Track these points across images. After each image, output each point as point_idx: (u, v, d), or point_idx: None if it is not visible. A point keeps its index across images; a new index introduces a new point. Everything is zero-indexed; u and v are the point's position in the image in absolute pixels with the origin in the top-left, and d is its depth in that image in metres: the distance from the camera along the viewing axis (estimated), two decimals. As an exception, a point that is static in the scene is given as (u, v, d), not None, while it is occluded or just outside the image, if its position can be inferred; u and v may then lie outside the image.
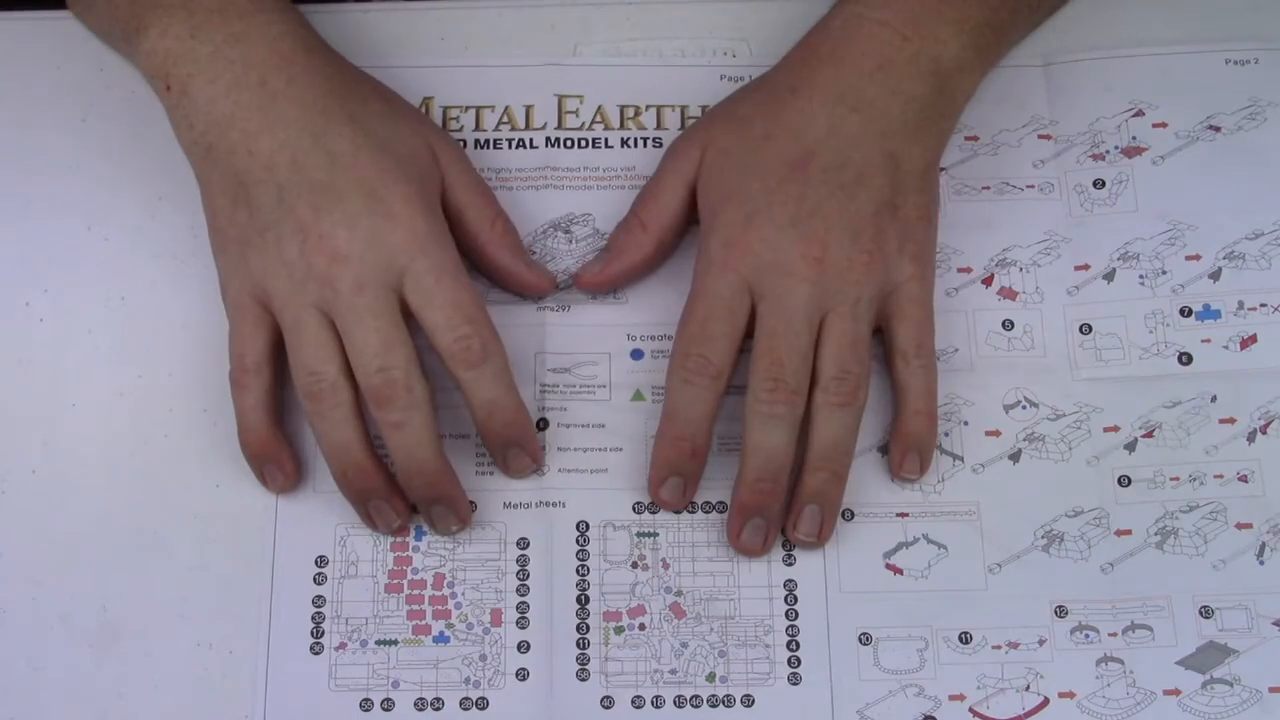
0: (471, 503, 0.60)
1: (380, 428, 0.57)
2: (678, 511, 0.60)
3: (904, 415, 0.60)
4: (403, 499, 0.59)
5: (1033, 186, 0.64)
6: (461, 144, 0.64)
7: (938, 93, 0.61)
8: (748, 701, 0.58)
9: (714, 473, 0.60)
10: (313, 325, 0.57)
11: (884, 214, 0.59)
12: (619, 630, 0.59)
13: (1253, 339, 0.62)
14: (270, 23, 0.60)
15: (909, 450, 0.60)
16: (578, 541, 0.60)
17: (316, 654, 0.59)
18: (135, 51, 0.62)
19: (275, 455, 0.59)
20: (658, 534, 0.60)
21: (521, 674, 0.59)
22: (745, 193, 0.59)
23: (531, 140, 0.65)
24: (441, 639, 0.59)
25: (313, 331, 0.57)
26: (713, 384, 0.58)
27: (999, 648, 0.59)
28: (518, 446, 0.59)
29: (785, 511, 0.59)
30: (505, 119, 0.66)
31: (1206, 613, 0.59)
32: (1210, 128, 0.65)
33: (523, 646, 0.59)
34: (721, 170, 0.60)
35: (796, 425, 0.58)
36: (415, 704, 0.58)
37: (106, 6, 0.63)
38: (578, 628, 0.59)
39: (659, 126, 0.66)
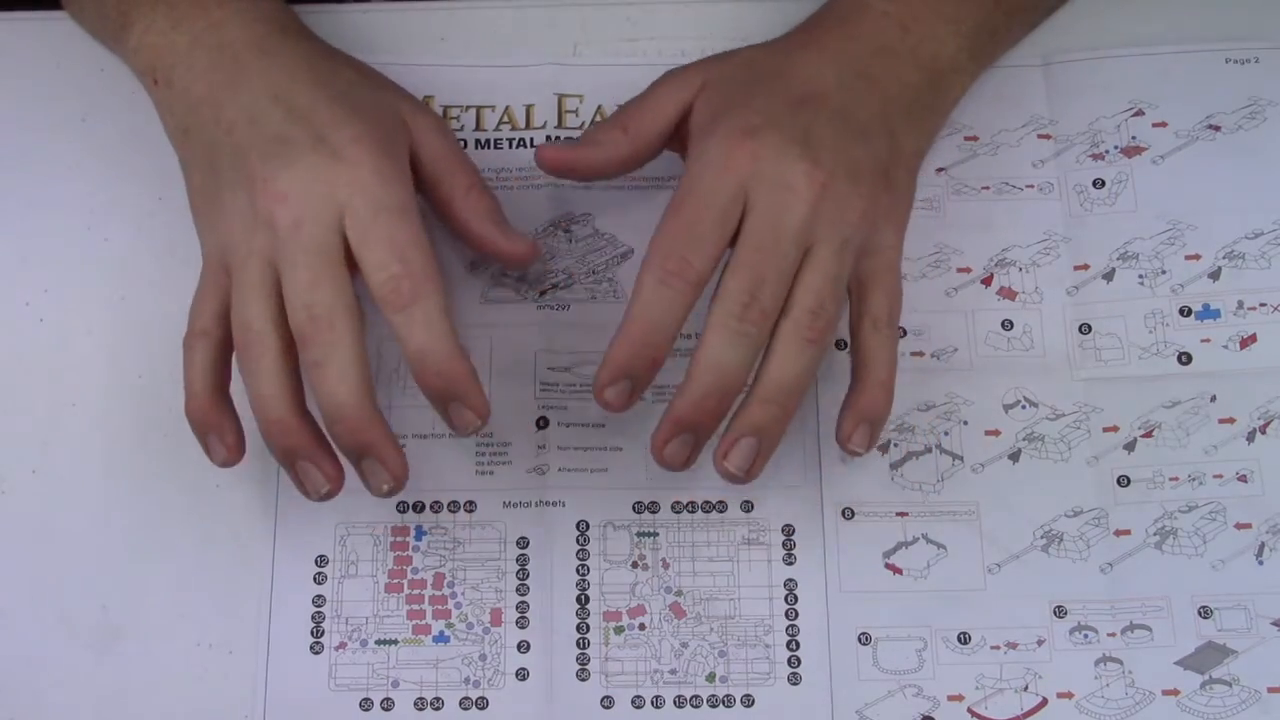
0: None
1: (304, 372, 0.53)
2: (618, 412, 0.56)
3: (865, 385, 0.56)
4: (333, 461, 0.55)
5: (1032, 186, 0.64)
6: (461, 143, 0.64)
7: (932, 88, 0.61)
8: (748, 701, 0.58)
9: (713, 473, 0.60)
10: (252, 273, 0.54)
11: (880, 176, 0.57)
12: (619, 630, 0.59)
13: (1252, 339, 0.62)
14: (250, 9, 0.60)
15: (862, 422, 0.56)
16: (578, 541, 0.60)
17: (316, 654, 0.59)
18: (124, 49, 0.62)
19: (216, 424, 0.56)
20: (658, 534, 0.60)
21: (521, 674, 0.59)
22: (754, 105, 0.56)
23: (532, 140, 0.65)
24: (441, 639, 0.59)
25: (253, 279, 0.54)
26: (690, 290, 0.54)
27: (998, 648, 0.59)
28: (457, 400, 0.54)
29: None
30: (505, 119, 0.66)
31: (1205, 613, 0.59)
32: (1210, 127, 0.65)
33: (523, 646, 0.59)
34: (725, 93, 0.58)
35: (761, 349, 0.54)
36: (415, 704, 0.58)
37: (95, 6, 0.63)
38: (578, 627, 0.59)
39: (659, 126, 0.66)
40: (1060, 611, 0.59)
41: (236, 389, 0.56)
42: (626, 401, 0.55)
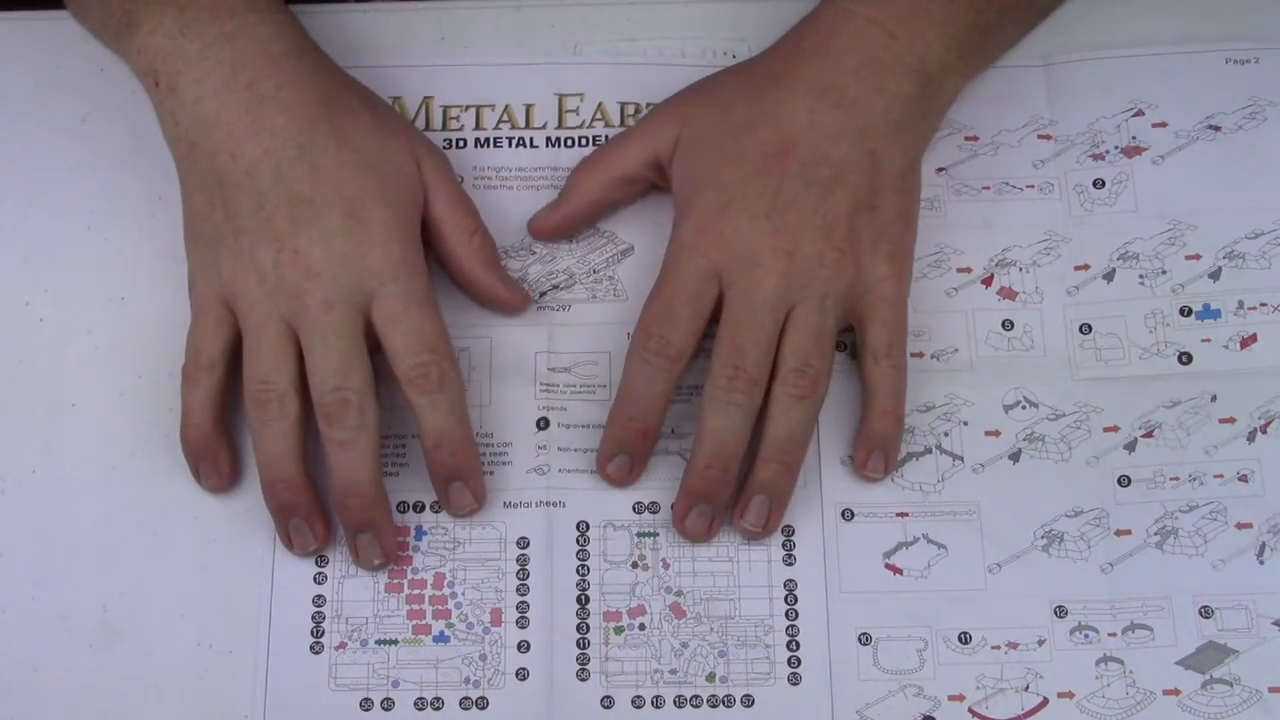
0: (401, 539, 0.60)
1: (326, 445, 0.57)
2: (621, 486, 0.60)
3: (871, 415, 0.60)
4: (324, 523, 0.59)
5: (1032, 186, 0.64)
6: (461, 143, 0.65)
7: (921, 93, 0.61)
8: (748, 701, 0.58)
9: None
10: (274, 335, 0.57)
11: (860, 213, 0.59)
12: (619, 630, 0.59)
13: (1253, 338, 0.62)
14: (261, 23, 0.60)
15: (874, 449, 0.60)
16: (578, 541, 0.60)
17: (316, 654, 0.59)
18: (126, 49, 0.62)
19: (213, 454, 0.59)
20: (658, 534, 0.60)
21: (521, 674, 0.59)
22: (721, 181, 0.59)
23: (532, 140, 0.65)
24: (441, 639, 0.59)
25: (273, 341, 0.57)
26: (670, 366, 0.58)
27: (998, 648, 0.59)
28: (460, 480, 0.59)
29: (734, 500, 0.59)
30: (505, 118, 0.66)
31: (1206, 613, 0.59)
32: (1210, 127, 0.65)
33: (523, 646, 0.59)
34: (699, 154, 0.60)
35: (753, 415, 0.58)
36: (415, 704, 0.58)
37: (100, 4, 0.63)
38: (578, 627, 0.59)
39: (659, 126, 0.66)
40: (1061, 611, 0.59)
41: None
42: (627, 477, 0.60)
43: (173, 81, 0.59)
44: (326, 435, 0.57)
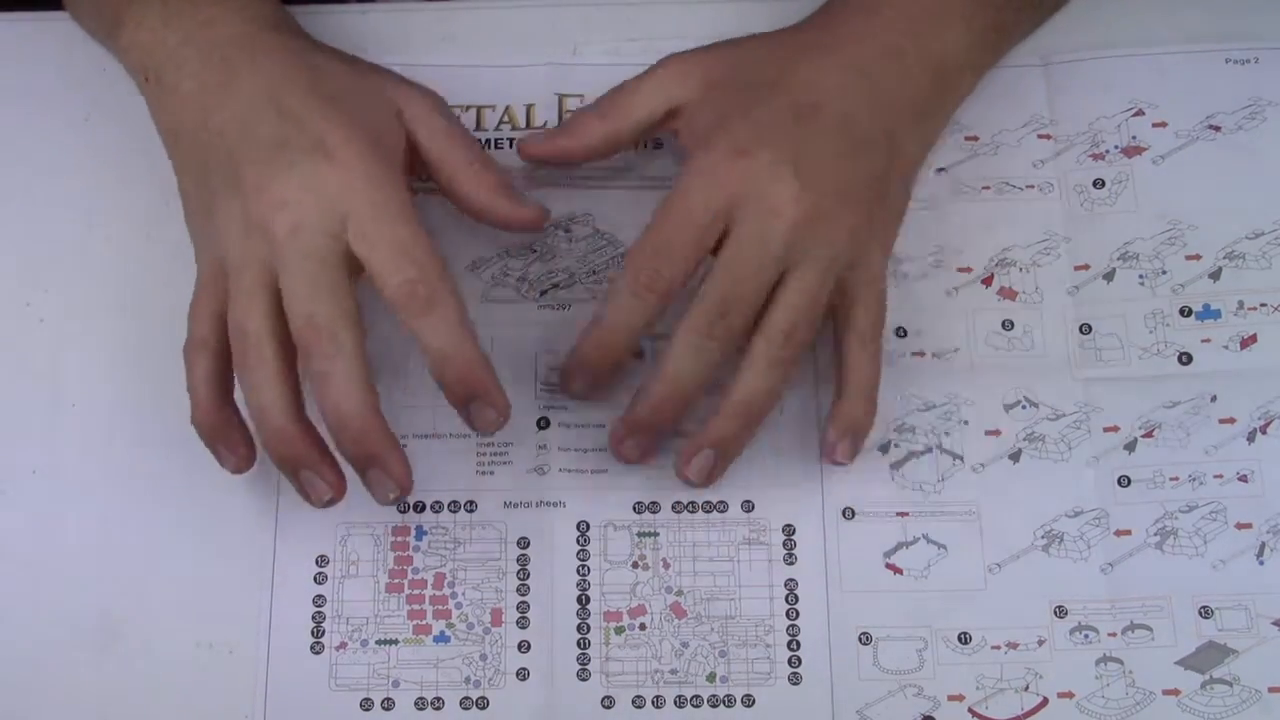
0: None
1: (307, 382, 0.54)
2: (579, 399, 0.60)
3: (847, 398, 0.58)
4: (334, 468, 0.55)
5: (1033, 186, 0.64)
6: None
7: (939, 88, 0.61)
8: (748, 701, 0.58)
9: (714, 472, 0.61)
10: (249, 280, 0.54)
11: (875, 192, 0.58)
12: (619, 630, 0.59)
13: (1253, 339, 0.62)
14: (238, 8, 0.59)
15: (845, 433, 0.58)
16: (578, 541, 0.60)
17: (317, 654, 0.59)
18: (117, 46, 0.62)
19: (224, 432, 0.56)
20: (658, 534, 0.60)
21: (522, 674, 0.59)
22: (745, 123, 0.57)
23: (532, 140, 0.65)
24: (442, 639, 0.59)
25: (246, 284, 0.54)
26: (657, 302, 0.56)
27: (998, 648, 0.59)
28: (479, 399, 0.54)
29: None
30: (505, 119, 0.66)
31: (1206, 613, 0.59)
32: (1210, 127, 0.65)
33: (523, 646, 0.59)
34: (722, 101, 0.58)
35: (720, 364, 0.56)
36: (415, 703, 0.58)
37: (92, 4, 0.63)
38: (578, 628, 0.59)
39: (659, 126, 0.66)
40: (1061, 611, 0.59)
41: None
42: (590, 391, 0.59)
43: (159, 74, 0.59)
44: (304, 371, 0.54)
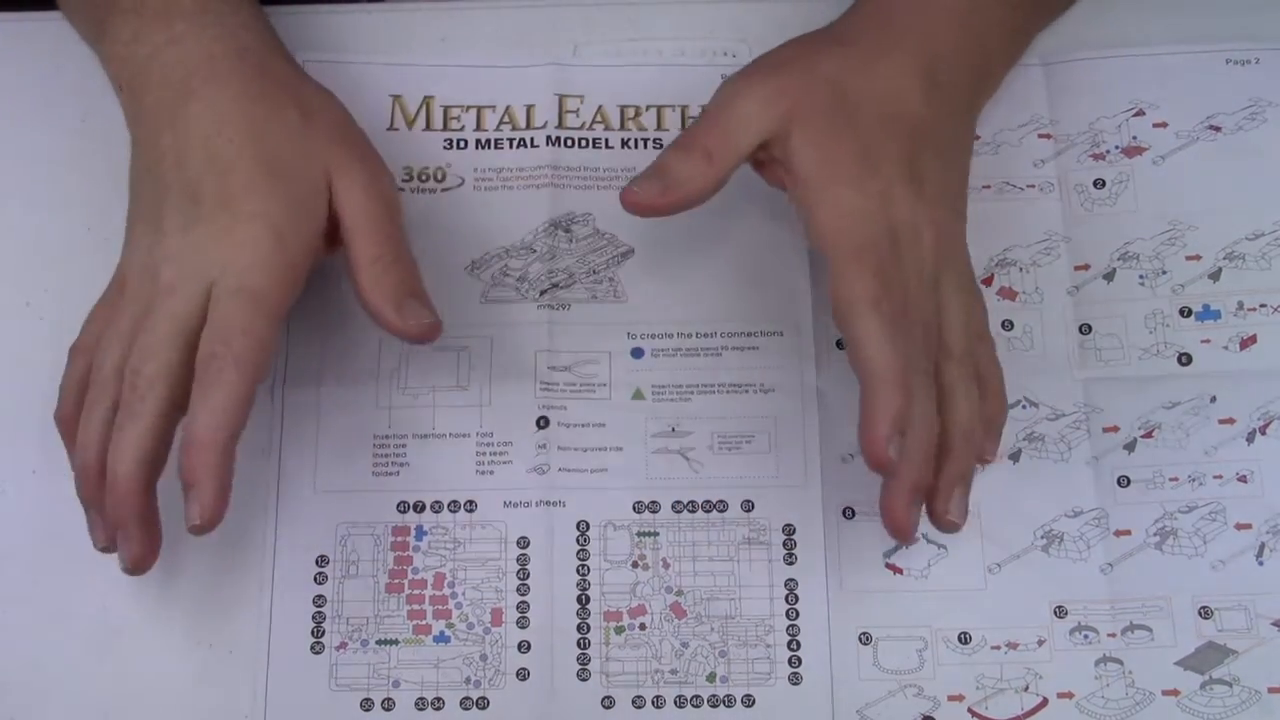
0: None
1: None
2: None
3: (989, 398, 0.58)
4: (104, 531, 0.56)
5: (1033, 186, 0.64)
6: (462, 143, 0.64)
7: (979, 88, 0.61)
8: (748, 701, 0.58)
9: (714, 472, 0.61)
10: (125, 319, 0.55)
11: (964, 191, 0.59)
12: (619, 630, 0.59)
13: (1253, 339, 0.62)
14: (212, 24, 0.59)
15: (993, 433, 0.59)
16: (578, 541, 0.60)
17: (317, 654, 0.59)
18: (100, 57, 0.62)
19: (68, 431, 0.57)
20: (658, 534, 0.60)
21: (522, 674, 0.59)
22: (864, 149, 0.56)
23: (532, 140, 0.65)
24: (442, 639, 0.59)
25: (120, 328, 0.55)
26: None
27: (998, 648, 0.59)
28: (194, 489, 0.53)
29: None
30: (505, 119, 0.66)
31: (1206, 613, 0.59)
32: (1211, 127, 0.65)
33: (523, 646, 0.59)
34: (825, 129, 0.56)
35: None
36: (416, 704, 0.58)
37: (79, 14, 0.63)
38: (578, 627, 0.59)
39: (659, 127, 0.65)
40: (1060, 611, 0.59)
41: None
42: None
43: (131, 86, 0.59)
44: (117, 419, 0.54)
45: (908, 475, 0.53)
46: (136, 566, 0.55)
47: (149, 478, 0.54)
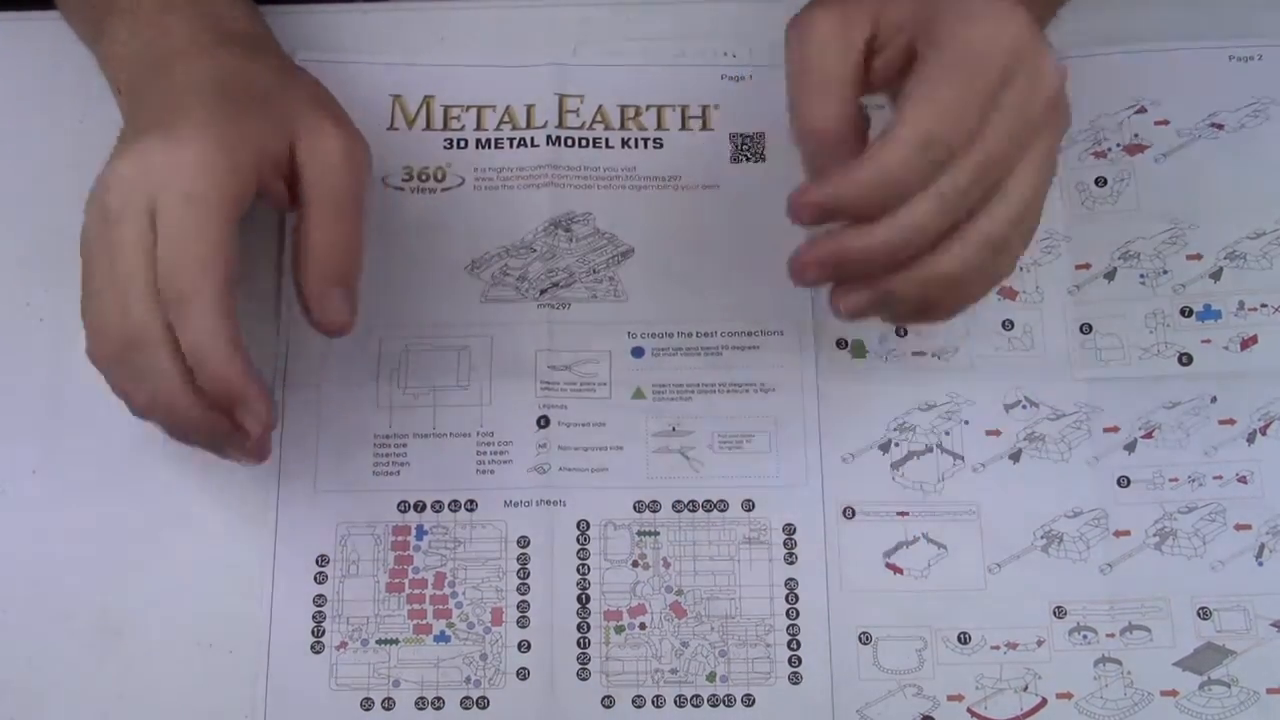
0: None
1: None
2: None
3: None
4: None
5: (1034, 185, 0.64)
6: (462, 143, 0.64)
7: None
8: (748, 701, 0.59)
9: (714, 472, 0.61)
10: (95, 280, 0.52)
11: None
12: (619, 629, 0.59)
13: (1253, 339, 0.62)
14: (199, 16, 0.58)
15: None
16: (578, 540, 0.60)
17: (317, 653, 0.59)
18: (99, 58, 0.62)
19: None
20: (658, 533, 0.60)
21: (522, 673, 0.59)
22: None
23: (532, 139, 0.65)
24: (442, 638, 0.59)
25: (92, 286, 0.52)
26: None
27: (998, 648, 0.59)
28: (240, 404, 0.52)
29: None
30: (505, 119, 0.66)
31: (1205, 614, 0.59)
32: (1213, 125, 0.65)
33: (523, 646, 0.59)
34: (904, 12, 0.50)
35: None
36: (416, 703, 0.58)
37: (77, 15, 0.63)
38: (578, 627, 0.59)
39: (659, 127, 0.65)
40: (1060, 612, 0.59)
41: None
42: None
43: (130, 87, 0.59)
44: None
45: (860, 239, 0.48)
46: (268, 429, 0.52)
47: (236, 348, 0.51)
